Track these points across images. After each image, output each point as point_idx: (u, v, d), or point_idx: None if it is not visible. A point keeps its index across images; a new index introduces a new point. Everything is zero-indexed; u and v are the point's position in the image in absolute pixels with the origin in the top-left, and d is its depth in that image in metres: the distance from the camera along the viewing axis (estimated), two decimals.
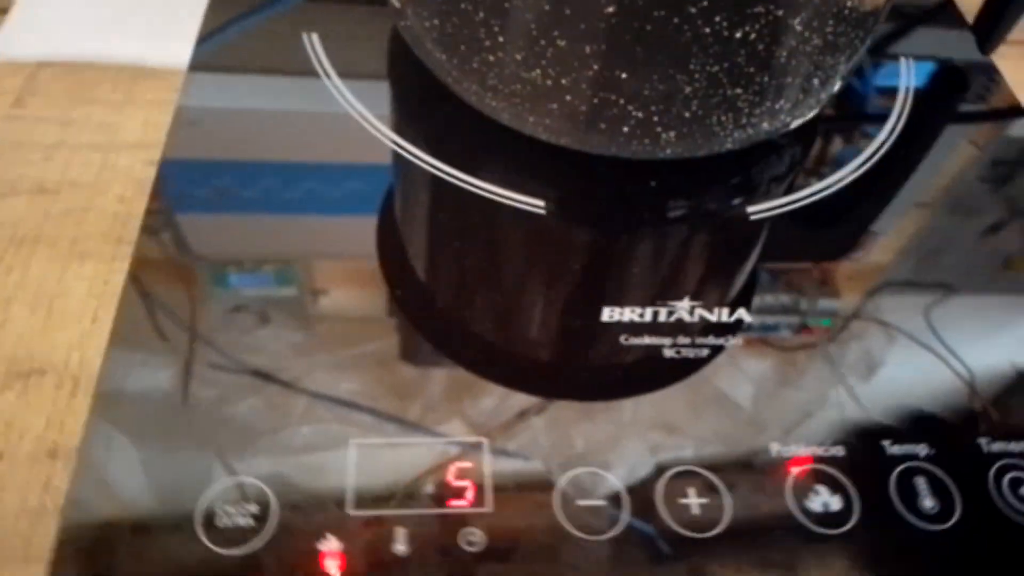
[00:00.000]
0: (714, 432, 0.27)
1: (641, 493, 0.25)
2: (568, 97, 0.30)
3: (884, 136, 0.38)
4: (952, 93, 0.41)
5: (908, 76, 0.40)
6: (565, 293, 0.31)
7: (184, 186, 0.33)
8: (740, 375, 0.28)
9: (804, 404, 0.28)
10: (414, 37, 0.34)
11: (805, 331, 0.30)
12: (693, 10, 0.26)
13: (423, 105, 0.36)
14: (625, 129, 0.31)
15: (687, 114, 0.30)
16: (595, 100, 0.30)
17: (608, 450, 0.26)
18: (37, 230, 0.36)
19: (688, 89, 0.29)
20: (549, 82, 0.30)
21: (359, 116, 0.35)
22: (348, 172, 0.34)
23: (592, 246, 0.33)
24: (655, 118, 0.30)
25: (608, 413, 0.27)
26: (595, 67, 0.28)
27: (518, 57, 0.29)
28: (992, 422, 0.28)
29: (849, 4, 0.29)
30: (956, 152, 0.39)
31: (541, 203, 0.33)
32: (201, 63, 0.37)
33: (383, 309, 0.30)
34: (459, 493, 0.25)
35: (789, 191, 0.35)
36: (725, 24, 0.27)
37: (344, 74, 0.36)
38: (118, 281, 0.34)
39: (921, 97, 0.40)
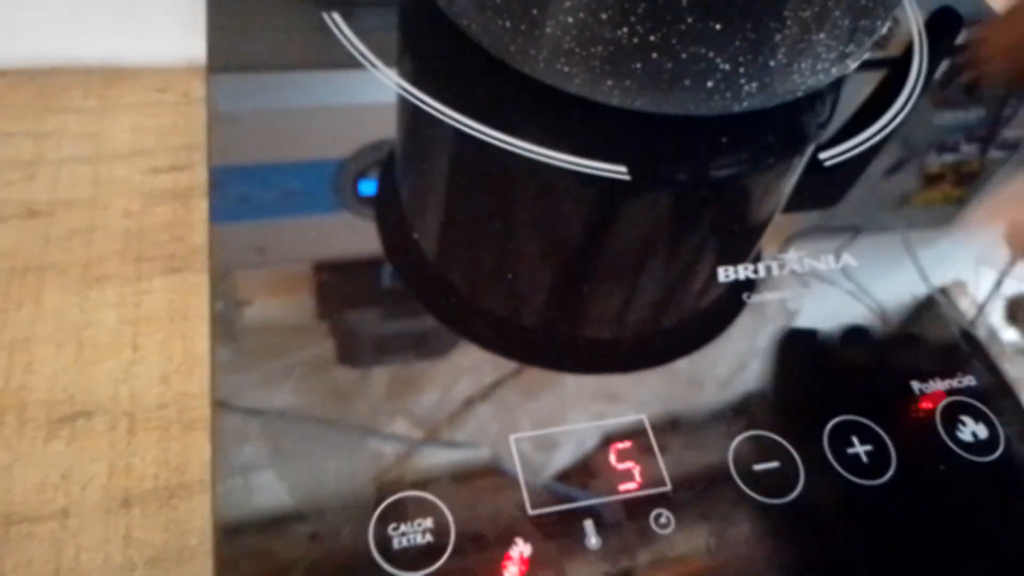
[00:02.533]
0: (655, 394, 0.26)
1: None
2: (655, 55, 0.29)
3: (914, 75, 0.39)
4: (951, 30, 0.43)
5: (916, 18, 0.42)
6: (676, 257, 0.30)
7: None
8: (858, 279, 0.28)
9: (738, 355, 0.28)
10: (461, 7, 0.32)
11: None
12: None
13: (470, 80, 0.34)
14: (709, 84, 0.30)
15: (772, 63, 0.29)
16: (683, 55, 0.29)
17: (555, 425, 0.25)
18: (39, 258, 0.32)
19: (778, 36, 0.28)
20: (636, 40, 0.28)
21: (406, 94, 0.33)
22: (279, 172, 0.31)
23: (691, 207, 0.32)
24: (741, 69, 0.29)
25: (551, 389, 0.26)
26: (690, 20, 0.27)
27: (603, 16, 0.28)
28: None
29: None
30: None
31: (624, 169, 0.31)
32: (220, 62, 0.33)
33: (312, 314, 0.27)
34: (627, 476, 0.24)
35: (853, 132, 0.35)
36: None
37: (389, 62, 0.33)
38: (152, 303, 0.31)
39: (931, 36, 0.41)
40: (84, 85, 0.39)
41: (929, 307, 0.30)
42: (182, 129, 0.36)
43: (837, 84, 0.38)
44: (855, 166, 0.34)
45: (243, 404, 0.24)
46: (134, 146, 0.36)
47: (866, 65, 0.40)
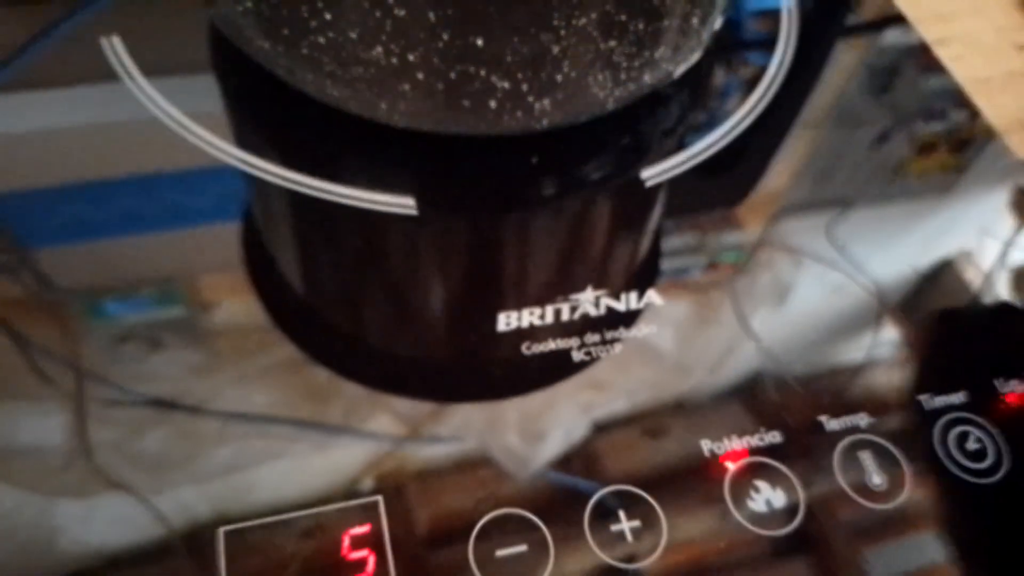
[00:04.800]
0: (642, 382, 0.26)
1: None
2: (420, 75, 0.25)
3: (776, 64, 0.35)
4: (835, 8, 0.39)
5: (789, 9, 0.37)
6: (453, 302, 0.27)
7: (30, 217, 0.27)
8: (659, 321, 0.27)
9: (725, 340, 0.27)
10: (230, 26, 0.29)
11: (714, 268, 0.29)
12: None
13: (258, 104, 0.31)
14: (492, 103, 0.26)
15: (559, 77, 0.26)
16: (452, 75, 0.25)
17: (542, 417, 0.24)
18: None
19: (556, 49, 0.25)
20: (395, 60, 0.25)
21: (170, 119, 0.30)
22: (169, 181, 0.29)
23: (476, 243, 0.29)
24: (524, 86, 0.26)
25: None
26: (445, 36, 0.24)
27: (353, 35, 0.25)
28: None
29: None
30: (841, 68, 0.37)
31: (411, 202, 0.28)
32: None
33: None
34: (357, 568, 0.21)
35: (684, 145, 0.32)
36: None
37: (151, 73, 0.31)
38: None
39: (806, 17, 0.37)
40: None
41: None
42: None
43: (687, 86, 0.34)
44: (687, 179, 0.31)
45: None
46: None
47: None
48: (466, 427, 0.24)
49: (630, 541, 0.22)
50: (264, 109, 0.31)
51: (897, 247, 0.30)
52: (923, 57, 0.37)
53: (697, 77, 0.34)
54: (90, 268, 0.27)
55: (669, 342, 0.26)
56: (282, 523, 0.22)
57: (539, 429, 0.24)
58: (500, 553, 0.22)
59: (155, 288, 0.26)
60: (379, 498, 0.23)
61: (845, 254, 0.29)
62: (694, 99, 0.34)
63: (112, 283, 0.26)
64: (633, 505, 0.23)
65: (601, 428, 0.24)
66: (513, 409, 0.24)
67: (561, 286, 0.27)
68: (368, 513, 0.22)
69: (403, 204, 0.29)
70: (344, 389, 0.24)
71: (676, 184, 0.31)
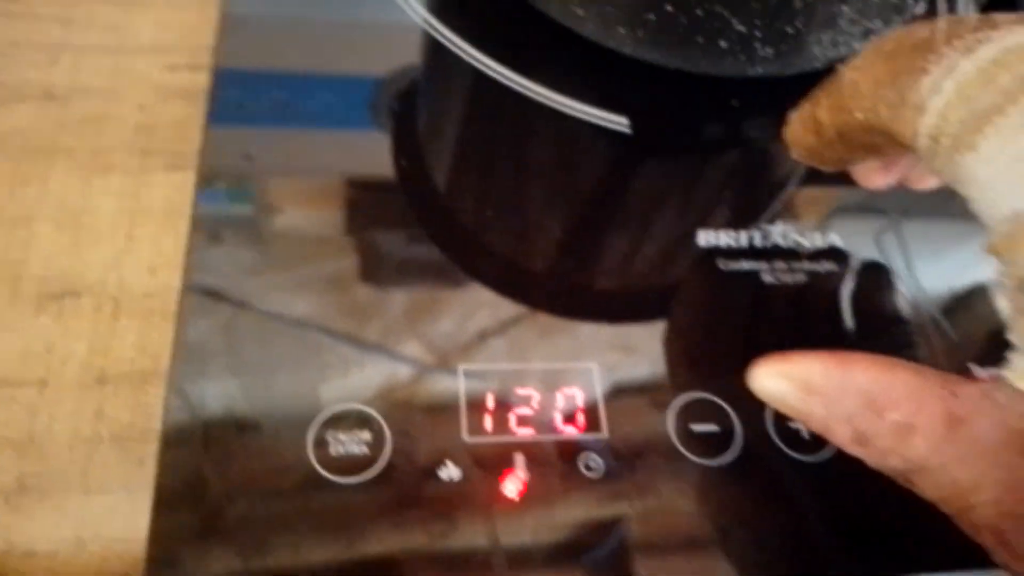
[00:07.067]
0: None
1: None
2: (669, 7, 0.28)
3: None
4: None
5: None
6: (655, 216, 0.30)
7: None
8: None
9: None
10: None
11: None
12: None
13: (492, 15, 0.34)
14: (723, 44, 0.29)
15: (789, 29, 0.29)
16: (698, 11, 0.28)
17: (565, 369, 0.26)
18: (51, 140, 0.33)
19: (798, 3, 0.27)
20: None
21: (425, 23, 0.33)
22: (322, 84, 0.31)
23: (682, 167, 0.31)
24: (757, 32, 0.29)
25: (567, 333, 0.26)
26: None
27: None
28: None
29: None
30: None
31: (625, 121, 0.31)
32: None
33: (341, 228, 0.28)
34: (571, 418, 0.25)
35: None
36: None
37: None
38: (151, 196, 0.32)
39: None
40: None
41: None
42: (204, 28, 0.37)
43: None
44: None
45: (213, 297, 0.25)
46: (156, 41, 0.37)
47: None
48: (432, 358, 0.25)
49: (806, 439, 0.25)
50: (492, 18, 0.34)
51: (943, 263, 0.31)
52: None
53: None
54: None
55: None
56: (515, 371, 0.25)
57: (501, 372, 0.25)
58: (695, 428, 0.25)
59: (231, 183, 0.28)
60: (593, 365, 0.26)
61: (890, 262, 0.30)
62: None
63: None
64: None
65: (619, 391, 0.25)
66: (539, 358, 0.26)
67: (754, 215, 0.30)
68: (583, 379, 0.25)
69: (616, 121, 0.31)
70: (384, 311, 0.26)
71: None
